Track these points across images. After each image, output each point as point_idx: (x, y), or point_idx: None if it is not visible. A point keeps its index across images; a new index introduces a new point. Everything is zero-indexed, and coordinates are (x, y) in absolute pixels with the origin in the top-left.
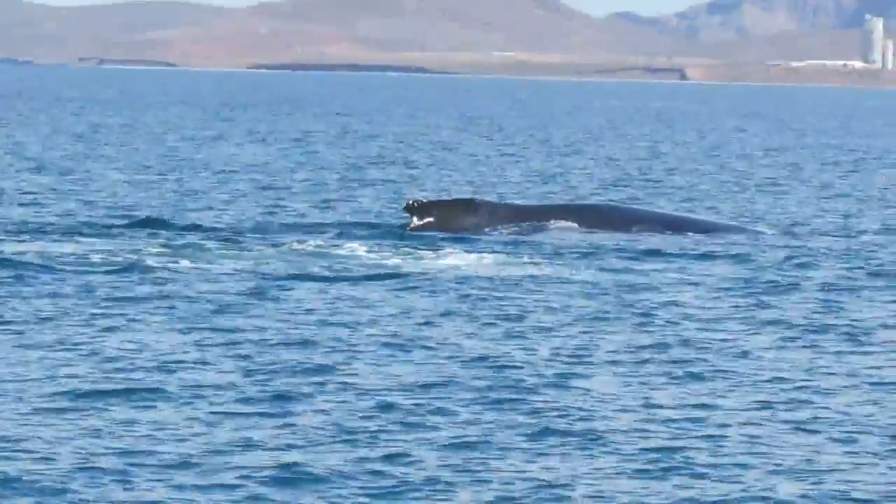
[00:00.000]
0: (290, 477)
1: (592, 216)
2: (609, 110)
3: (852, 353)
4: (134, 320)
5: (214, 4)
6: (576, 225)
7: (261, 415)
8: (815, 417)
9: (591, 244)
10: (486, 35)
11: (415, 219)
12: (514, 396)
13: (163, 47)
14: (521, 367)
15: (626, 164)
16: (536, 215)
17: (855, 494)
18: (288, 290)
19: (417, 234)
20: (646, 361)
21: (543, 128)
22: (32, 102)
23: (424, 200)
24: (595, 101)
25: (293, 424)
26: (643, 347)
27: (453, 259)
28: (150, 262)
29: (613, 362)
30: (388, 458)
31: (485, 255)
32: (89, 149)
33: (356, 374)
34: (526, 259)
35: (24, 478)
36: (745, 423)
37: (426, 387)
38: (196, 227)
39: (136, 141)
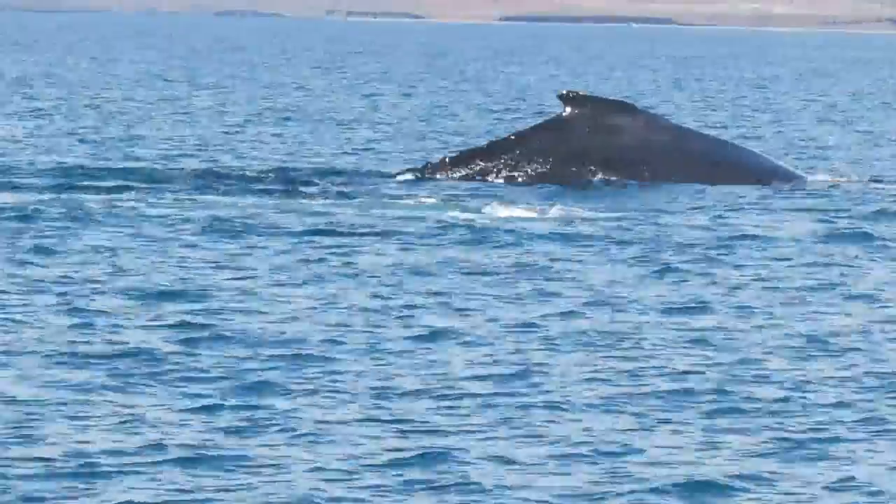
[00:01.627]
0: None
1: (735, 160)
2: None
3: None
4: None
5: None
6: (716, 162)
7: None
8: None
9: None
10: None
11: (568, 108)
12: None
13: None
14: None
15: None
16: (687, 140)
17: None
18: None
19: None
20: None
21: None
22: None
23: (581, 92)
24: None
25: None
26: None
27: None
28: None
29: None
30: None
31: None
32: None
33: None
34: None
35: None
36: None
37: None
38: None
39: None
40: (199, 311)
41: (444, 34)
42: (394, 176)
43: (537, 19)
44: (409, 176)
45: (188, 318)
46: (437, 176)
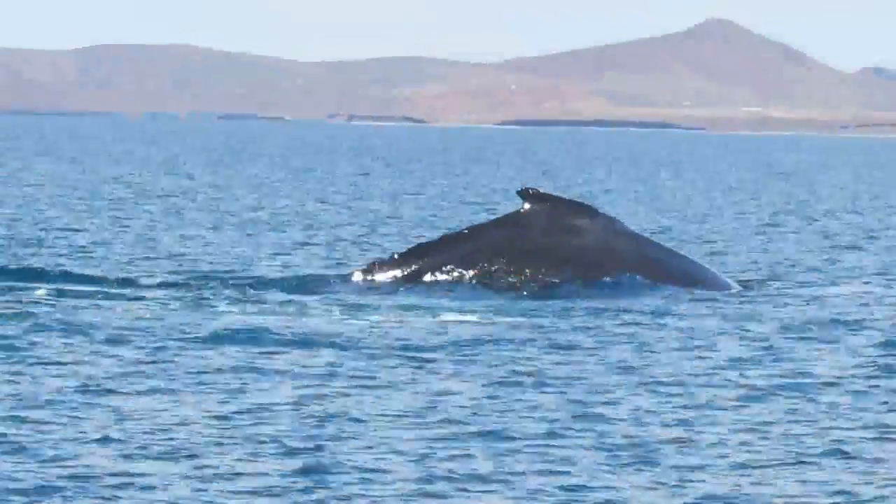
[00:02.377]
0: None
1: (686, 269)
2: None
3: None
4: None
5: (463, 60)
6: (670, 270)
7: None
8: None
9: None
10: (733, 90)
11: (526, 205)
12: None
13: (410, 103)
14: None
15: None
16: (644, 247)
17: None
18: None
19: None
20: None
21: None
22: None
23: (542, 190)
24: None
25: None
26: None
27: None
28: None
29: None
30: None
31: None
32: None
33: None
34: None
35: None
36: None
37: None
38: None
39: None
40: (127, 414)
41: (440, 137)
42: (343, 277)
43: (538, 123)
44: (358, 276)
45: (117, 426)
46: (386, 274)
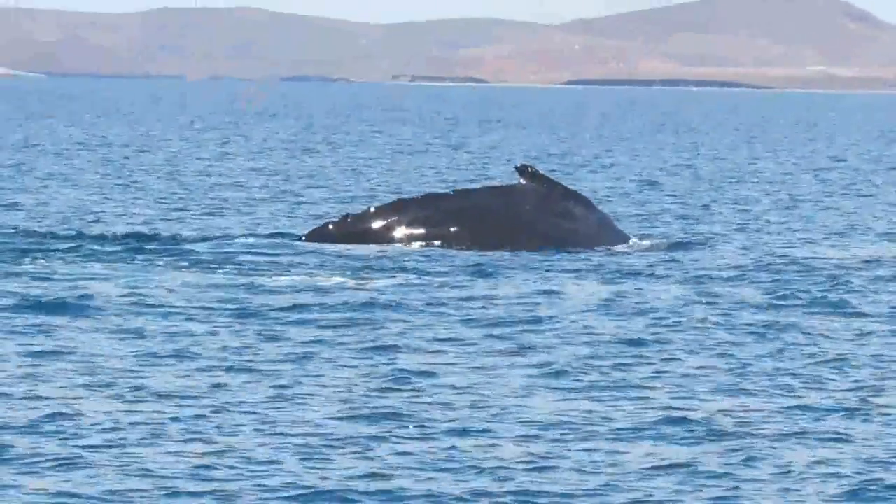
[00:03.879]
0: None
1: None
2: None
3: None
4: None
5: (528, 21)
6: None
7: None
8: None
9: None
10: (798, 49)
11: (522, 180)
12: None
13: (474, 64)
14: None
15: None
16: (605, 232)
17: None
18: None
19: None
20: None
21: None
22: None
23: (540, 171)
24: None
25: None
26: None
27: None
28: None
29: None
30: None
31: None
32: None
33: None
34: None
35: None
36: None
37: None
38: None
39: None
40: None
41: (499, 97)
42: (316, 230)
43: (603, 83)
44: (330, 227)
45: (71, 387)
46: (359, 227)
